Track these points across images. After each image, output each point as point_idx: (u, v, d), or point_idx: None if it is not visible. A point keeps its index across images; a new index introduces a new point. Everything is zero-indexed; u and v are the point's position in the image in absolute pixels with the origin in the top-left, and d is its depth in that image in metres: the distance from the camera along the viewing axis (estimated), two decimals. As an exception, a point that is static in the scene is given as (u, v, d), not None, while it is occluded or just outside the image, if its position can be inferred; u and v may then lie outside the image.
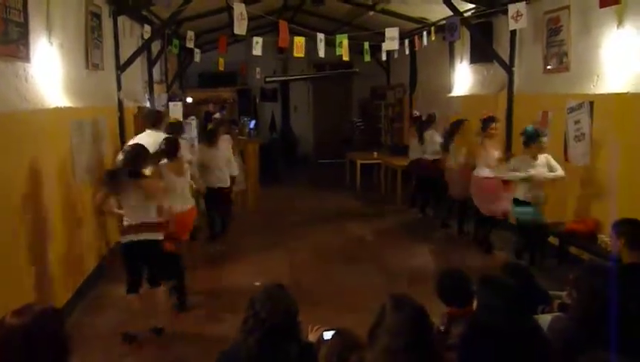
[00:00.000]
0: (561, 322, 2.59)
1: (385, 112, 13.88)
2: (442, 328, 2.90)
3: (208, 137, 7.41)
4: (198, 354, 4.30)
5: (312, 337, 2.85)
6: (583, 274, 2.59)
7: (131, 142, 6.05)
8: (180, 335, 4.70)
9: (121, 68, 7.28)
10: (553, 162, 5.93)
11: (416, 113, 9.48)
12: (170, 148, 5.20)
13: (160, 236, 4.57)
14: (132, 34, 8.21)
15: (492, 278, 2.61)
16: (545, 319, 2.81)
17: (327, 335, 2.55)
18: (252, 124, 12.83)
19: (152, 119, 6.33)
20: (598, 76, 5.81)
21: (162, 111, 7.41)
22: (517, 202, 6.01)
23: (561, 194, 6.38)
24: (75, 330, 4.71)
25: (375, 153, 11.09)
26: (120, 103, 7.27)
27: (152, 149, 4.88)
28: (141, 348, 4.50)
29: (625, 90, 5.30)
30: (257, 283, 5.45)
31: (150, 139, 5.90)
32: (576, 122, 6.07)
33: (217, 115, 11.47)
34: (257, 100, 14.96)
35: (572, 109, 6.12)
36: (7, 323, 1.99)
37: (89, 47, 6.10)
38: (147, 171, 4.61)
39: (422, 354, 1.96)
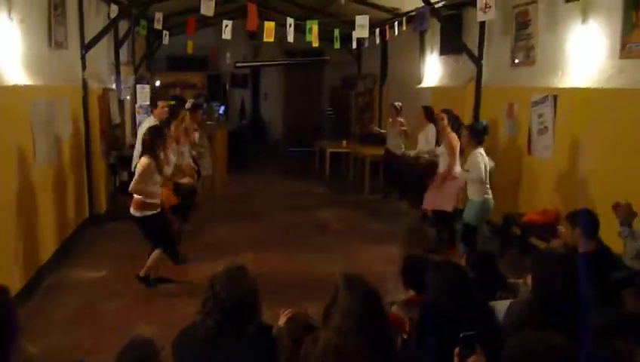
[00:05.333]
0: (516, 307, 2.65)
1: (355, 102, 13.89)
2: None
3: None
4: (157, 335, 4.25)
5: (282, 320, 2.85)
6: (537, 259, 2.65)
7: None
8: (145, 320, 4.65)
9: (86, 47, 7.09)
10: None
11: (398, 104, 9.30)
12: None
13: None
14: (98, 13, 8.00)
15: (442, 261, 2.63)
16: (503, 305, 2.88)
17: None
18: (221, 109, 12.72)
19: None
20: (562, 71, 5.92)
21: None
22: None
23: (523, 186, 6.52)
24: (34, 313, 4.64)
25: (344, 142, 11.11)
26: (84, 84, 7.10)
27: None
28: (102, 330, 4.44)
29: (588, 85, 5.42)
30: (221, 268, 5.42)
31: None
32: (540, 115, 6.18)
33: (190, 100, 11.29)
34: (227, 86, 14.80)
35: (536, 103, 6.23)
36: None
37: (52, 25, 5.91)
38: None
39: (372, 336, 1.97)
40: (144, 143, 5.13)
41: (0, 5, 4.60)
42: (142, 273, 5.19)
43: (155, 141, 5.07)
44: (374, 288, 2.12)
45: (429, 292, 2.29)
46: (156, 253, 5.21)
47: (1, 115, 4.50)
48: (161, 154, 5.30)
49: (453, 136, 6.41)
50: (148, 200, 5.01)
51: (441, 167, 6.59)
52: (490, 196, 5.68)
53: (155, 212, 5.08)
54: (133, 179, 5.06)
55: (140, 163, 5.03)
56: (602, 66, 5.26)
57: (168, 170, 5.85)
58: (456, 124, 6.65)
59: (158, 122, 6.48)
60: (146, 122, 6.69)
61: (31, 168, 5.15)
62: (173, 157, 6.25)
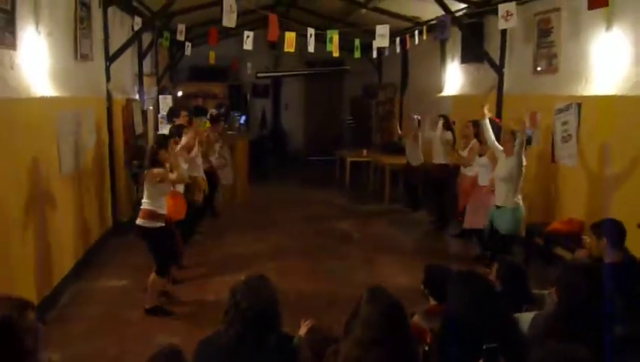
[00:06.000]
0: (541, 318, 2.60)
1: (376, 111, 13.88)
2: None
3: None
4: (179, 344, 4.28)
5: (302, 331, 2.85)
6: (563, 271, 2.60)
7: None
8: (167, 329, 4.69)
9: (110, 59, 7.21)
10: None
11: (417, 117, 9.11)
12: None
13: None
14: (122, 25, 8.14)
15: (465, 272, 2.58)
16: (528, 317, 2.83)
17: None
18: (242, 119, 12.81)
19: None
20: (586, 78, 5.84)
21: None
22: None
23: (546, 195, 6.43)
24: (57, 322, 4.70)
25: (365, 151, 11.10)
26: (109, 95, 7.22)
27: None
28: (125, 339, 4.48)
29: (612, 93, 5.34)
30: (242, 277, 5.44)
31: None
32: (564, 123, 6.10)
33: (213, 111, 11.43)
34: (248, 96, 14.91)
35: (560, 110, 6.16)
36: None
37: (78, 37, 6.04)
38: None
39: (393, 348, 1.94)
40: (149, 154, 4.99)
41: (28, 19, 4.71)
42: (148, 305, 5.01)
43: (158, 153, 4.93)
44: (397, 299, 2.09)
45: (452, 304, 2.25)
46: (152, 277, 5.00)
47: (29, 125, 4.60)
48: (166, 165, 5.09)
49: (496, 146, 6.30)
50: (158, 211, 4.90)
51: (482, 180, 6.41)
52: (522, 203, 5.57)
53: (162, 224, 4.95)
54: (163, 181, 4.90)
55: (151, 172, 4.87)
56: (627, 74, 5.18)
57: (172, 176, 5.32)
58: (499, 133, 6.41)
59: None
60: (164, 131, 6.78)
61: (56, 178, 5.25)
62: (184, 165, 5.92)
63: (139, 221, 4.93)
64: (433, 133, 8.02)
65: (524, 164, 5.50)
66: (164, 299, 5.21)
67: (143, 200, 4.97)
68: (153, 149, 5.00)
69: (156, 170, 4.88)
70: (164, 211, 5.00)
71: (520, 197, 5.58)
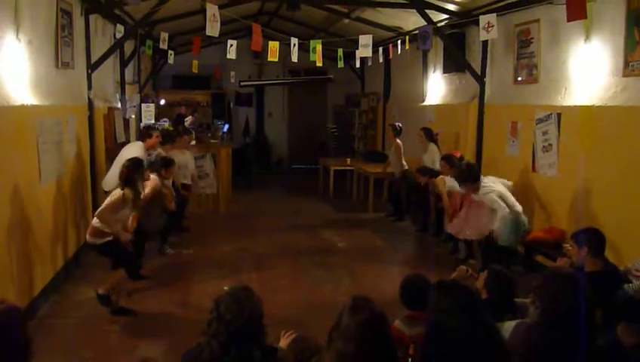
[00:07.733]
0: (523, 327, 2.62)
1: (359, 120, 13.94)
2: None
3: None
4: (162, 355, 4.26)
5: (283, 342, 2.82)
6: (544, 279, 2.63)
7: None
8: (149, 339, 4.64)
9: (92, 67, 7.15)
10: None
11: (398, 125, 9.22)
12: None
13: None
14: (104, 33, 8.09)
15: (447, 282, 2.59)
16: (509, 325, 2.85)
17: None
18: (225, 128, 12.80)
19: None
20: (566, 89, 5.94)
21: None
22: None
23: (527, 204, 6.50)
24: (37, 332, 4.62)
25: (348, 160, 11.13)
26: (90, 103, 7.15)
27: None
28: (107, 350, 4.43)
29: (591, 103, 5.43)
30: (226, 288, 5.40)
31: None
32: (544, 133, 6.19)
33: (189, 118, 11.41)
34: (232, 105, 14.90)
35: (540, 120, 6.24)
36: None
37: (59, 45, 5.98)
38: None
39: (373, 361, 1.92)
40: (121, 175, 5.00)
41: (8, 27, 4.66)
42: (101, 290, 5.01)
43: (133, 174, 4.96)
44: (378, 311, 2.08)
45: (435, 311, 2.24)
46: (118, 272, 5.05)
47: (9, 135, 4.53)
48: (140, 187, 5.16)
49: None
50: (105, 230, 4.88)
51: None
52: (508, 211, 5.60)
53: (111, 238, 4.92)
54: (103, 206, 4.94)
55: (115, 193, 4.92)
56: (606, 84, 5.28)
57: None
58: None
59: (147, 152, 6.63)
60: (134, 146, 6.77)
61: (36, 188, 5.17)
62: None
63: (88, 238, 5.01)
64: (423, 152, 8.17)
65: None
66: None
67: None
68: (126, 171, 4.98)
69: (119, 193, 4.85)
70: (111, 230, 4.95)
71: (520, 207, 5.70)
